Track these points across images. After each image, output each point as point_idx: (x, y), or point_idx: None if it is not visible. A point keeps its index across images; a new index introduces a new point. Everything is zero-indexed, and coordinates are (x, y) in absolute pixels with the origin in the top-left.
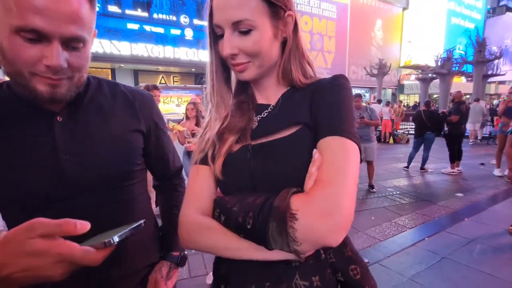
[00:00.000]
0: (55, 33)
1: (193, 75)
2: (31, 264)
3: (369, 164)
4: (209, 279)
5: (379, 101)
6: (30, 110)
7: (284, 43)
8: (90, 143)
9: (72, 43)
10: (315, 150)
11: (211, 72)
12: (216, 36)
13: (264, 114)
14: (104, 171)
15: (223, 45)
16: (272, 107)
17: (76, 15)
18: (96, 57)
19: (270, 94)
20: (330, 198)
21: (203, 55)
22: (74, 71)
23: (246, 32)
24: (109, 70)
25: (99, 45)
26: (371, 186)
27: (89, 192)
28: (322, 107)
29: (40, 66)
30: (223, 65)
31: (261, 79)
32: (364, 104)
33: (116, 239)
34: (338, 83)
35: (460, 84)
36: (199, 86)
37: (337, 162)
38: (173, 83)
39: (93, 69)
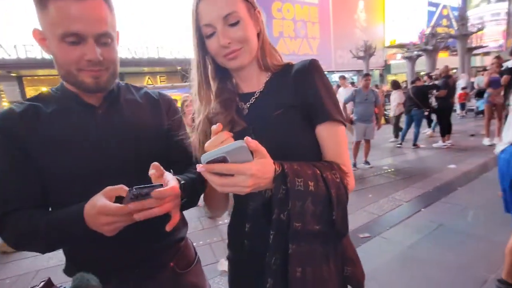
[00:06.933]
0: (89, 33)
1: (179, 73)
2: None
3: (367, 142)
4: (221, 266)
5: (352, 84)
6: (76, 105)
7: (257, 36)
8: (125, 131)
9: (102, 39)
10: None
11: (198, 70)
12: (202, 38)
13: (252, 101)
14: (137, 155)
15: (219, 37)
16: (258, 93)
17: (101, 17)
18: None
19: (253, 83)
20: (348, 166)
21: (187, 52)
22: (108, 62)
23: (235, 24)
24: None
25: None
26: (367, 162)
27: (129, 175)
28: (312, 93)
29: (83, 62)
30: (207, 65)
31: (246, 69)
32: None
33: (133, 190)
34: (317, 69)
35: (446, 59)
36: (187, 84)
37: (340, 144)
38: (160, 83)
39: None
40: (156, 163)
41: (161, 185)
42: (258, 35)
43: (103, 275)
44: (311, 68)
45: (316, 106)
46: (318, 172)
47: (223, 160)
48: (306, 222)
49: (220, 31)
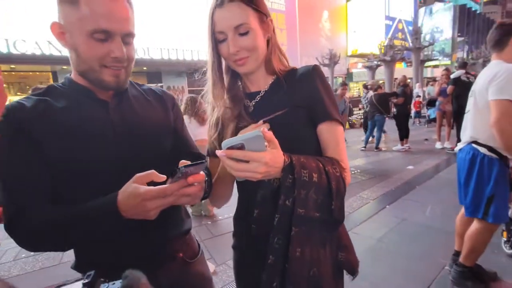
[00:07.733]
0: (117, 30)
1: (145, 73)
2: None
3: None
4: None
5: None
6: (88, 100)
7: (267, 42)
8: (137, 124)
9: (127, 39)
10: None
11: (213, 70)
12: (217, 42)
13: (257, 99)
14: (148, 150)
15: (229, 45)
16: (263, 93)
17: (128, 17)
18: (34, 60)
19: (260, 83)
20: (346, 162)
21: (154, 53)
22: (129, 61)
23: (245, 33)
24: (50, 73)
25: (36, 46)
26: None
27: (141, 170)
28: (314, 95)
29: (108, 58)
30: (221, 66)
31: (254, 73)
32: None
33: (182, 169)
34: (319, 73)
35: (402, 70)
36: (153, 85)
37: (339, 142)
38: None
39: (31, 73)
40: (184, 160)
41: (204, 161)
42: (268, 41)
43: (117, 268)
44: (314, 73)
45: (318, 107)
46: (321, 165)
47: (241, 147)
48: (309, 209)
49: (231, 39)
